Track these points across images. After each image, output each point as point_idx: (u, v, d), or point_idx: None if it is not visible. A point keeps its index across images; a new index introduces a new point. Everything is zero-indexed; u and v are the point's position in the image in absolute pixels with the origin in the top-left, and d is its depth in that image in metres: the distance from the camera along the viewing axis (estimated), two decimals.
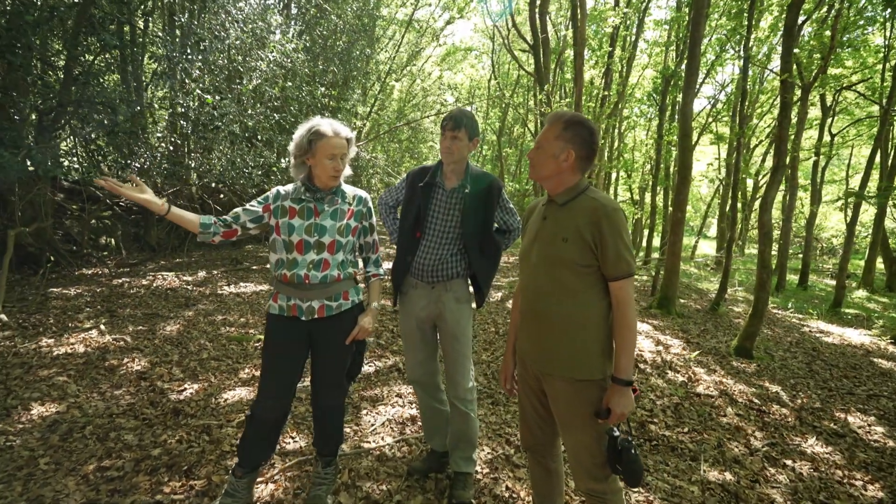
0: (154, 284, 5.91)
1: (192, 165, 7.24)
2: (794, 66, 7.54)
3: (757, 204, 18.78)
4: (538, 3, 11.39)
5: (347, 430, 2.88)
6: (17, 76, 5.16)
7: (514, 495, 2.35)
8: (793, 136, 9.93)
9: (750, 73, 9.60)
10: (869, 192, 10.94)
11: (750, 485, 2.66)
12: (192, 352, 3.91)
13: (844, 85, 11.53)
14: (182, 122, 7.00)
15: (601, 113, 11.97)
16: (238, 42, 7.19)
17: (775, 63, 12.81)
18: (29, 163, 4.94)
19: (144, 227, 8.02)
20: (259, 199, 2.02)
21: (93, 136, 5.97)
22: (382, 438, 2.82)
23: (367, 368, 3.90)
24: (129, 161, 6.31)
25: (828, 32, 7.41)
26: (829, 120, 13.45)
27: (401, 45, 17.14)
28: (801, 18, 7.29)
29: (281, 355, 1.98)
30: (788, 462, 2.96)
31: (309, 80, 8.75)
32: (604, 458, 1.60)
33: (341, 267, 2.00)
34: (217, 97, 6.88)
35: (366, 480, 2.37)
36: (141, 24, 7.56)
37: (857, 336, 7.00)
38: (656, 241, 15.50)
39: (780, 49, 12.23)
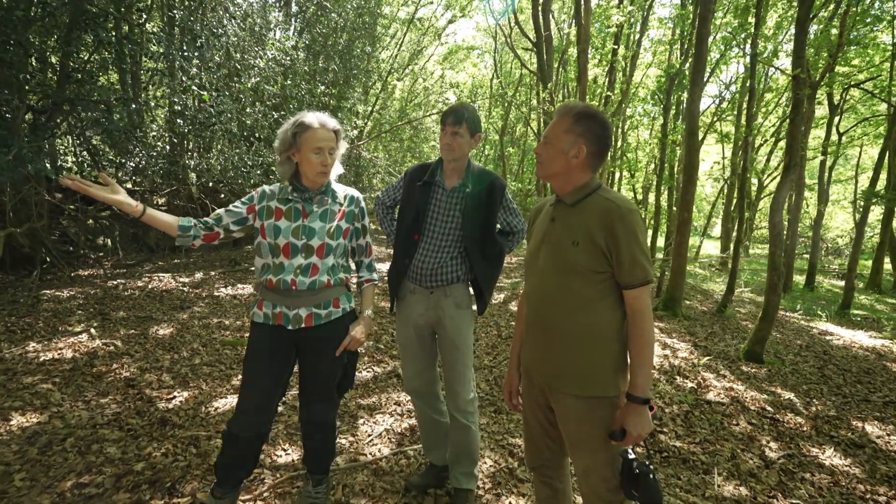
0: (150, 286, 5.78)
1: (190, 165, 7.13)
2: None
3: (762, 204, 18.62)
4: (541, 1, 11.25)
5: (343, 441, 2.74)
6: (9, 73, 5.05)
7: None
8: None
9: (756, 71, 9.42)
10: (879, 192, 10.76)
11: (767, 501, 2.51)
12: (185, 357, 3.78)
13: (852, 83, 11.35)
14: (179, 120, 6.89)
15: (605, 112, 11.81)
16: (236, 39, 7.07)
17: (780, 61, 12.64)
18: (21, 162, 4.82)
19: (143, 228, 7.90)
20: (243, 199, 1.87)
21: (88, 134, 5.86)
22: (380, 450, 2.68)
23: (366, 374, 3.76)
24: (125, 160, 6.20)
25: (835, 31, 7.25)
26: (837, 118, 13.25)
27: (403, 43, 17.00)
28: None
29: (264, 368, 1.83)
30: (806, 475, 2.81)
31: (308, 78, 8.63)
32: (617, 481, 1.47)
33: (331, 272, 1.86)
34: (214, 94, 6.75)
35: (360, 497, 2.23)
36: (138, 20, 7.44)
37: (867, 339, 6.83)
38: (660, 242, 15.33)
39: (785, 47, 12.14)
